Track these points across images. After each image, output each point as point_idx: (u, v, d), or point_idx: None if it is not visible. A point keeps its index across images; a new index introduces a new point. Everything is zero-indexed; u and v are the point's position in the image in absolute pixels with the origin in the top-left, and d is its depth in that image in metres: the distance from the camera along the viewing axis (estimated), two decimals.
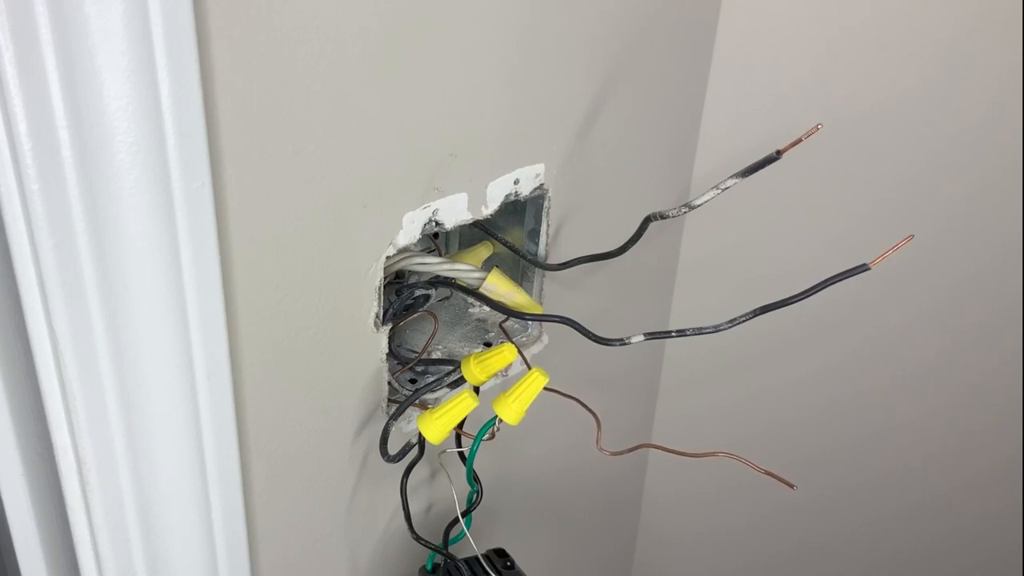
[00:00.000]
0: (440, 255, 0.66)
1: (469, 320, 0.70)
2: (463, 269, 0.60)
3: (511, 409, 0.55)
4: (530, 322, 0.70)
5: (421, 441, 0.60)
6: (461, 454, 0.61)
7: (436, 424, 0.55)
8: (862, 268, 0.48)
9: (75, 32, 0.35)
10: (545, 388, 0.56)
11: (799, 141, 0.48)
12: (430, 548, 0.62)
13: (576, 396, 0.59)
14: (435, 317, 0.64)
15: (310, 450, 0.57)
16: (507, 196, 0.62)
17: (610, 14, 0.65)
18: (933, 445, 0.99)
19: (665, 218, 0.56)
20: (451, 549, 0.63)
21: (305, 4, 0.44)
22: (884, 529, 1.06)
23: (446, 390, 0.61)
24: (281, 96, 0.45)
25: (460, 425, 0.58)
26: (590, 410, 0.58)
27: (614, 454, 0.58)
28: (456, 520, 0.61)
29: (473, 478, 0.61)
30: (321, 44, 0.46)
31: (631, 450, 0.59)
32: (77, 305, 0.40)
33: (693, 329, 0.53)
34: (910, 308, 0.92)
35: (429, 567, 0.64)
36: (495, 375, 0.58)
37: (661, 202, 0.81)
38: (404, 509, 0.60)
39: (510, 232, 0.68)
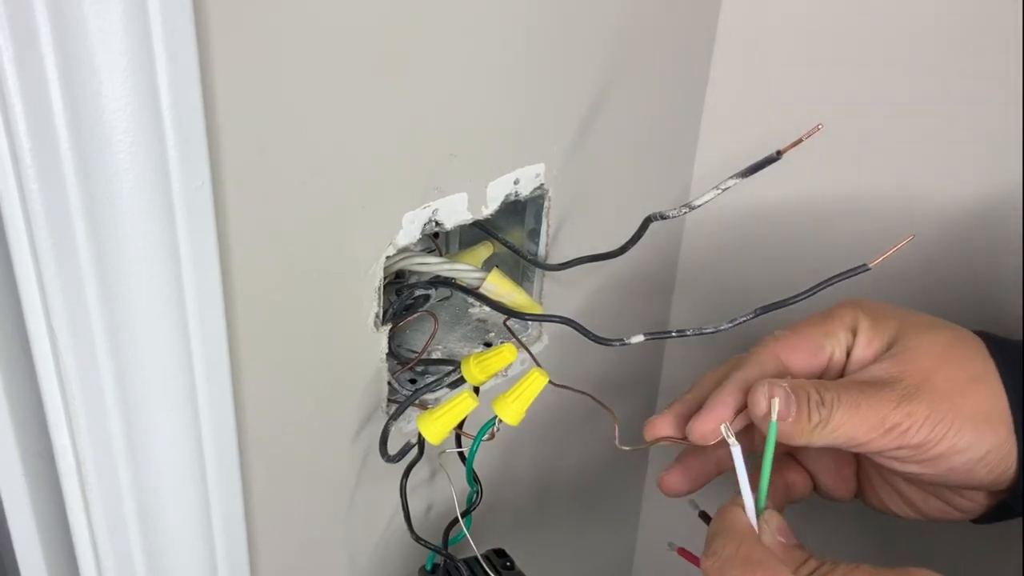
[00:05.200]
0: (440, 255, 0.66)
1: (469, 320, 0.70)
2: (463, 269, 0.60)
3: (511, 409, 0.55)
4: (530, 322, 0.70)
5: (421, 441, 0.60)
6: (461, 454, 0.61)
7: (436, 424, 0.55)
8: (862, 268, 0.48)
9: (74, 32, 0.35)
10: (554, 384, 0.56)
11: (799, 141, 0.48)
12: (430, 548, 0.61)
13: (587, 392, 0.58)
14: (435, 317, 0.64)
15: (310, 450, 0.57)
16: (507, 196, 0.62)
17: (611, 14, 0.64)
18: None
19: (665, 218, 0.56)
20: (451, 549, 0.63)
21: (305, 4, 0.44)
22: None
23: (446, 390, 0.61)
24: (281, 96, 0.45)
25: (460, 425, 0.58)
26: (605, 406, 0.57)
27: (632, 449, 0.57)
28: (456, 520, 0.61)
29: (473, 478, 0.61)
30: (321, 43, 0.46)
31: (649, 444, 0.58)
32: (76, 304, 0.40)
33: (693, 329, 0.53)
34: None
35: (429, 567, 0.64)
36: (495, 375, 0.58)
37: (661, 202, 0.81)
38: (404, 509, 0.60)
39: (510, 232, 0.68)
